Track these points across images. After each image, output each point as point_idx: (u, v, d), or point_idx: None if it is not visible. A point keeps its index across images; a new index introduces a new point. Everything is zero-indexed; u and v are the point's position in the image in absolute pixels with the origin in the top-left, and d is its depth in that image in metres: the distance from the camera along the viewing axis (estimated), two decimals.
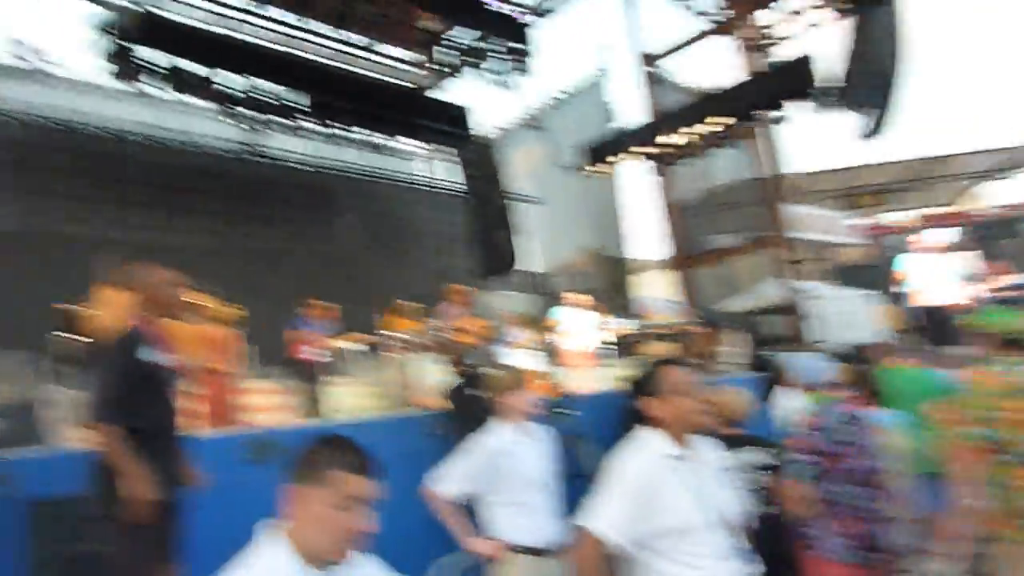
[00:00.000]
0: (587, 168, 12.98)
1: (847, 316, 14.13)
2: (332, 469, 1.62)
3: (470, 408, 4.57)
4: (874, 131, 11.67)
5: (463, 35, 11.76)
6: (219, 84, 9.61)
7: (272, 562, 1.61)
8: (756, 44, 15.03)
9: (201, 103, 10.26)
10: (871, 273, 21.32)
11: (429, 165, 16.73)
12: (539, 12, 14.90)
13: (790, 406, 5.30)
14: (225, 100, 9.76)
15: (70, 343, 5.81)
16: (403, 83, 15.33)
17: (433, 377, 7.78)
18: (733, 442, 3.67)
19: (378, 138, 12.69)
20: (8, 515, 3.61)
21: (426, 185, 16.22)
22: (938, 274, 11.71)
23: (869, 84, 10.54)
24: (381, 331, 10.62)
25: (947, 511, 3.11)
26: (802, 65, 10.95)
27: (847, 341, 12.85)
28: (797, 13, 16.54)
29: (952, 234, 26.60)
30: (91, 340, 5.36)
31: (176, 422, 3.42)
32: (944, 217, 29.04)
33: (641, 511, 2.10)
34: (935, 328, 9.01)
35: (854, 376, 4.59)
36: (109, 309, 5.18)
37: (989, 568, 2.99)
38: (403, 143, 14.39)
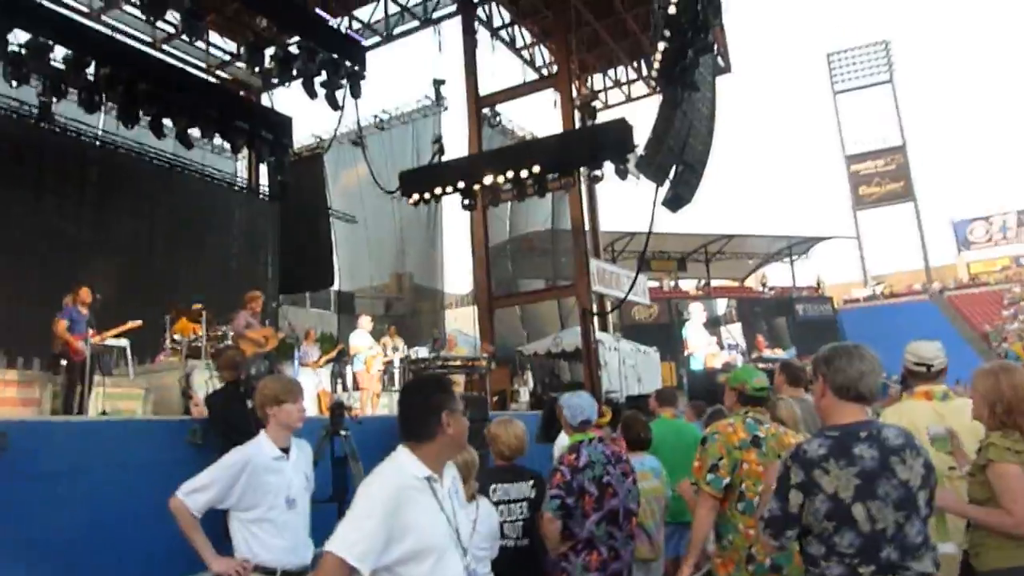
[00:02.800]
0: (405, 195, 12.90)
1: (633, 368, 15.07)
2: None
3: (234, 418, 4.27)
4: (673, 202, 12.62)
5: (294, 44, 11.38)
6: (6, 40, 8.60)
7: None
8: (582, 104, 15.91)
9: None
10: (658, 332, 23.07)
11: (244, 164, 15.91)
12: (381, 35, 14.88)
13: (564, 445, 5.46)
14: (6, 55, 8.70)
15: None
16: (227, 77, 14.61)
17: (206, 385, 7.24)
18: (502, 474, 3.68)
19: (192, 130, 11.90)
20: None
21: (237, 185, 15.37)
22: (710, 340, 12.89)
23: (667, 159, 11.37)
24: (164, 331, 9.82)
25: (687, 552, 3.29)
26: (622, 129, 11.63)
27: (630, 391, 13.75)
28: (619, 83, 17.89)
29: (729, 306, 29.55)
30: None
31: None
32: (726, 290, 32.21)
33: (388, 533, 2.00)
34: (701, 386, 9.81)
35: (621, 421, 4.83)
36: None
37: None
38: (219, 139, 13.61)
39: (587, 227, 15.59)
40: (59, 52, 9.37)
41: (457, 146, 14.85)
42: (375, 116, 17.83)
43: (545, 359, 15.09)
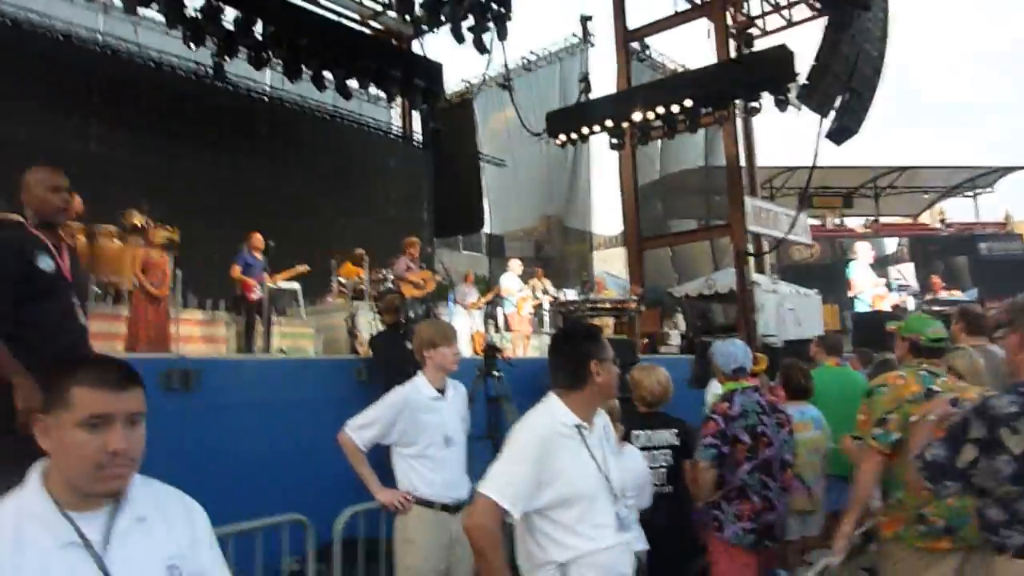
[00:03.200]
0: (552, 136, 12.82)
1: (792, 312, 14.38)
2: (73, 387, 1.36)
3: (395, 359, 4.50)
4: (838, 134, 11.74)
5: None
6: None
7: (17, 509, 1.33)
8: (737, 31, 14.99)
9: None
10: (820, 273, 21.80)
11: (397, 113, 16.41)
12: None
13: (716, 392, 5.35)
14: (184, 19, 9.38)
15: None
16: (379, 28, 15.01)
17: (370, 325, 7.68)
18: (645, 420, 3.66)
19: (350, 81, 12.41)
20: None
21: (392, 133, 15.92)
22: (879, 281, 12.04)
23: (832, 87, 10.53)
24: (330, 275, 10.47)
25: (848, 508, 3.14)
26: (782, 57, 10.86)
27: (788, 336, 13.16)
28: (778, 7, 16.62)
29: (900, 244, 27.30)
30: None
31: (71, 333, 3.16)
32: (897, 227, 29.77)
33: (539, 478, 2.06)
34: (868, 331, 9.21)
35: (779, 369, 4.64)
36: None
37: (876, 565, 3.05)
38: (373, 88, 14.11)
39: (743, 163, 14.84)
40: (229, 14, 10.03)
41: (605, 83, 14.52)
42: (522, 58, 17.75)
43: (697, 301, 14.69)
